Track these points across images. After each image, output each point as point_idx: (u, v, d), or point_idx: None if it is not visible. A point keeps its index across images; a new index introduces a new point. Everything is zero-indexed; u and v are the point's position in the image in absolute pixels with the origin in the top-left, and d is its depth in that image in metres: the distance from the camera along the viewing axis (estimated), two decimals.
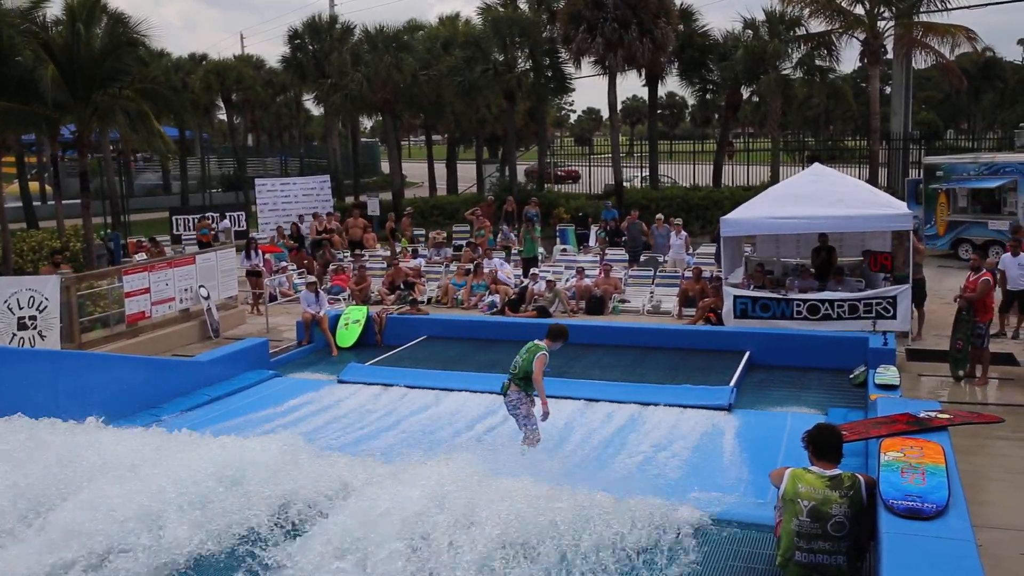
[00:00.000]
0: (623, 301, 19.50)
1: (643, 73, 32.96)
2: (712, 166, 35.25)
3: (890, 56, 31.07)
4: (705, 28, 34.03)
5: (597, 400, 12.26)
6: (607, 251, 23.85)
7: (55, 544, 7.28)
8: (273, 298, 20.67)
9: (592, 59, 31.31)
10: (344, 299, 20.37)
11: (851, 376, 13.12)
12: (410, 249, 25.27)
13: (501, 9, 33.91)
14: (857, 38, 30.28)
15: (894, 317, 15.26)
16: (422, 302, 19.70)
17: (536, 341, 10.16)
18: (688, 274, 19.29)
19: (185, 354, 15.98)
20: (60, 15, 22.54)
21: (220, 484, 7.97)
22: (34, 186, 41.91)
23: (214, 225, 29.66)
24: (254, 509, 7.77)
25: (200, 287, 18.36)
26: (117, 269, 18.26)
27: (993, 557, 7.24)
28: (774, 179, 30.88)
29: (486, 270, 20.98)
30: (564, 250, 25.65)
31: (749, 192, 26.10)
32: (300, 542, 7.26)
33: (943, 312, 16.48)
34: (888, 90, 37.26)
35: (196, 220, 30.27)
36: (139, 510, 7.52)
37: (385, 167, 51.28)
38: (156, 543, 7.25)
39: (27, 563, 7.09)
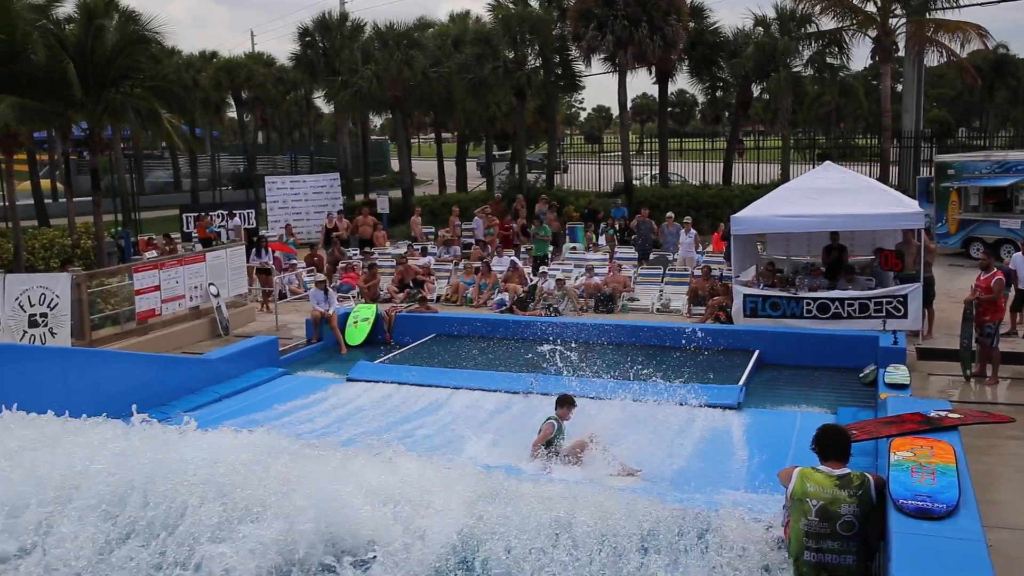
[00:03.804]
0: (632, 299, 19.48)
1: (653, 71, 32.87)
2: (722, 164, 35.14)
3: (902, 54, 30.92)
4: (715, 25, 33.90)
5: (605, 398, 12.23)
6: (616, 249, 23.82)
7: None
8: (283, 296, 20.71)
9: (602, 56, 31.26)
10: (353, 297, 20.40)
11: (861, 375, 13.07)
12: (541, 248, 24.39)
13: (511, 6, 33.86)
14: (868, 35, 30.15)
15: (905, 316, 15.19)
16: (431, 300, 19.71)
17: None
18: (698, 272, 19.26)
19: (195, 351, 16.02)
20: (73, 12, 22.64)
21: None
22: (46, 184, 42.05)
23: (224, 223, 29.70)
24: None
25: (210, 285, 18.42)
26: (128, 267, 18.33)
27: (1004, 557, 7.20)
28: (785, 177, 30.76)
29: (495, 269, 20.98)
30: (573, 248, 25.62)
31: (759, 190, 26.00)
32: None
33: (954, 311, 16.41)
34: (900, 88, 37.07)
35: (194, 219, 30.15)
36: None
37: (395, 164, 51.30)
38: None
39: None
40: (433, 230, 29.44)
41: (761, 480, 9.03)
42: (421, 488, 7.62)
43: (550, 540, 6.94)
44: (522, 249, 24.69)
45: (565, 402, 10.20)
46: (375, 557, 7.01)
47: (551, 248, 23.85)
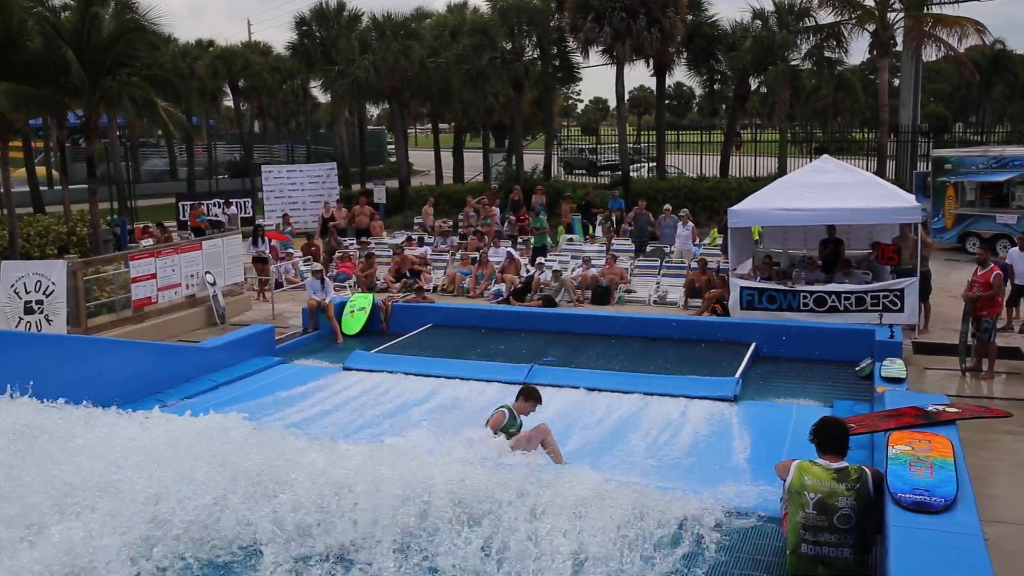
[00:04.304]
0: (629, 291, 19.47)
1: (651, 63, 32.87)
2: (719, 157, 35.15)
3: (900, 48, 30.93)
4: (714, 18, 33.91)
5: (602, 390, 12.24)
6: (613, 241, 23.81)
7: None
8: (279, 285, 20.68)
9: (600, 48, 31.22)
10: (350, 286, 20.37)
11: (857, 368, 13.08)
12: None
13: None
14: (867, 29, 30.14)
15: (901, 310, 15.21)
16: (428, 290, 19.69)
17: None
18: (695, 265, 19.27)
19: (191, 340, 15.99)
20: (69, 0, 22.57)
21: None
22: (41, 171, 41.96)
23: (220, 212, 29.65)
24: None
25: (206, 273, 18.38)
26: (124, 254, 18.28)
27: (1001, 551, 7.21)
28: (782, 171, 30.76)
29: (492, 259, 20.97)
30: (570, 240, 25.62)
31: (757, 183, 26.00)
32: None
33: (949, 306, 16.45)
34: (897, 82, 37.07)
35: (190, 207, 30.13)
36: None
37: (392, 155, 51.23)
38: None
39: None
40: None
41: (758, 473, 9.05)
42: None
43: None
44: (518, 240, 24.67)
45: (529, 396, 9.53)
46: None
47: (548, 239, 23.86)
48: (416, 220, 29.78)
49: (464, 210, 27.59)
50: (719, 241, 22.58)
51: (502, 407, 9.48)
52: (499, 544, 6.72)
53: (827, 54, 32.83)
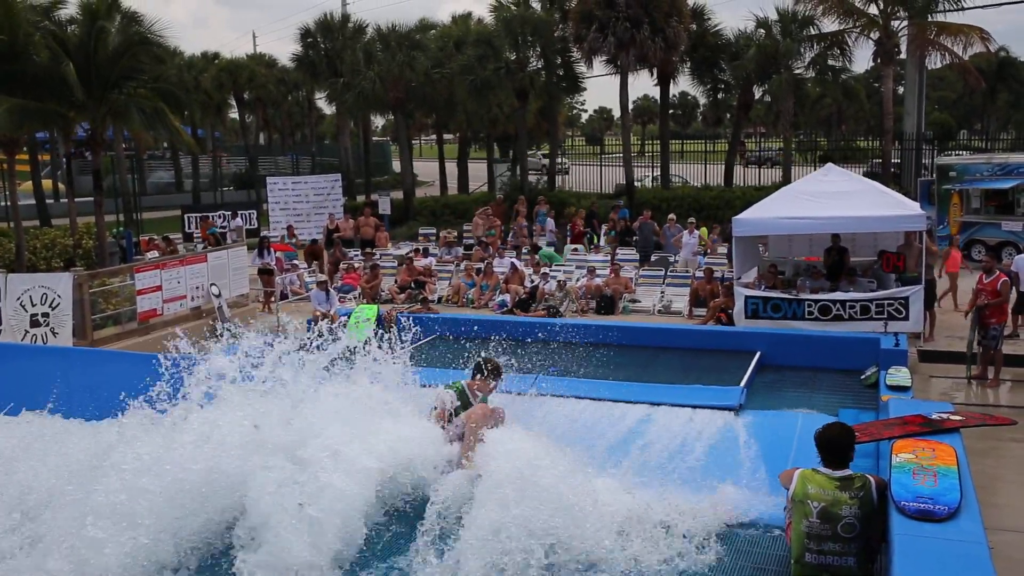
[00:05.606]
0: (634, 301, 19.48)
1: (655, 72, 32.88)
2: (724, 166, 35.14)
3: (904, 56, 30.91)
4: (717, 27, 33.91)
5: (606, 400, 12.21)
6: (618, 251, 23.82)
7: None
8: (284, 296, 20.71)
9: (604, 58, 31.26)
10: (355, 297, 20.40)
11: (862, 377, 13.02)
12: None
13: (513, 8, 33.86)
14: (871, 38, 30.15)
15: (906, 318, 15.18)
16: (433, 301, 19.71)
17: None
18: (699, 274, 19.27)
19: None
20: (75, 14, 22.68)
21: None
22: (47, 184, 42.09)
23: (226, 224, 29.73)
24: None
25: (211, 285, 18.42)
26: (129, 267, 18.36)
27: (1006, 559, 7.19)
28: (786, 180, 30.75)
29: (497, 270, 20.99)
30: (575, 249, 25.63)
31: (761, 192, 26.01)
32: None
33: (954, 314, 16.42)
34: (901, 90, 37.05)
35: (200, 220, 30.30)
36: None
37: (396, 166, 51.31)
38: None
39: None
40: (434, 231, 29.47)
41: (762, 482, 9.03)
42: None
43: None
44: (523, 250, 24.68)
45: (490, 371, 9.04)
46: None
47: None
48: (425, 231, 29.82)
49: (517, 219, 27.49)
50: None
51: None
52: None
53: (831, 62, 32.81)
